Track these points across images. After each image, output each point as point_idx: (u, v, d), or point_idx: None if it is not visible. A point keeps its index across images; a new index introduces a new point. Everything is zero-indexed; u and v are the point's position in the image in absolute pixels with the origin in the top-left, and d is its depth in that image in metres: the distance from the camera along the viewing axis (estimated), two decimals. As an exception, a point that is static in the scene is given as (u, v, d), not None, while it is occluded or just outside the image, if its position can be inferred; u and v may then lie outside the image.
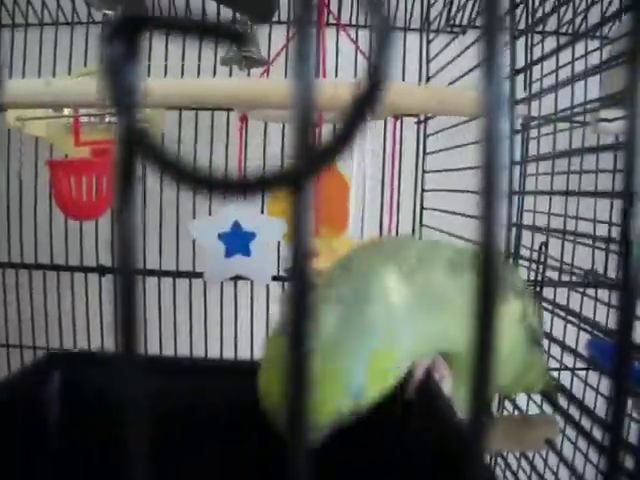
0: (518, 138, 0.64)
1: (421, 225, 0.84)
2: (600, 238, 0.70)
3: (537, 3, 0.85)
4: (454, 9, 0.85)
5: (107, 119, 0.79)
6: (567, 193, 0.69)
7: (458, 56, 0.75)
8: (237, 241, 0.70)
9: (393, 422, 0.35)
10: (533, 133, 0.79)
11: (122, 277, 0.13)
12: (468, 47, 0.73)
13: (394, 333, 0.31)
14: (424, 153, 0.83)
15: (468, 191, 0.64)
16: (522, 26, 0.80)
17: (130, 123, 0.11)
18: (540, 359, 0.49)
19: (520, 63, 0.74)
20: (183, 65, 0.83)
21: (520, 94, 0.72)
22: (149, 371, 0.13)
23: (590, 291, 0.80)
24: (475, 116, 0.57)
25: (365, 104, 0.12)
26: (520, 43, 0.79)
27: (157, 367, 0.36)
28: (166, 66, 0.83)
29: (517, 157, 0.66)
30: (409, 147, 0.84)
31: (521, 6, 0.80)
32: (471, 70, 0.71)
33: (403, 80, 0.85)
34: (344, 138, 0.12)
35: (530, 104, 0.74)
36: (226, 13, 0.82)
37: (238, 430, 0.34)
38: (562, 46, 0.64)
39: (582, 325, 0.68)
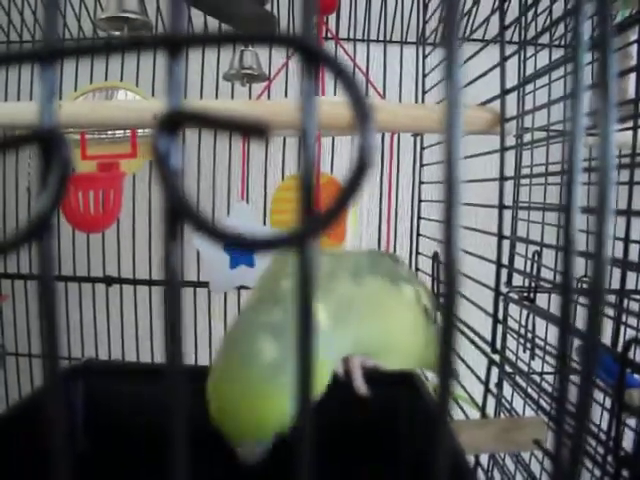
0: (512, 153, 0.66)
1: (418, 235, 0.86)
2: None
3: (529, 18, 0.87)
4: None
5: (111, 134, 0.81)
6: (560, 209, 0.72)
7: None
8: (242, 253, 0.73)
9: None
10: (527, 145, 0.81)
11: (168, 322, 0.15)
12: (466, 61, 0.75)
13: (326, 350, 0.36)
14: (420, 165, 0.86)
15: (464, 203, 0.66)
16: (515, 38, 0.82)
17: (176, 198, 0.14)
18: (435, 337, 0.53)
19: (513, 76, 0.76)
20: (186, 80, 0.86)
21: (513, 110, 0.75)
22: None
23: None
24: (470, 133, 0.59)
25: (355, 181, 0.14)
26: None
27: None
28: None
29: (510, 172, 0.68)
30: (406, 159, 0.86)
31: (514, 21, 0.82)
32: (467, 85, 0.73)
33: (400, 93, 0.87)
34: (340, 205, 0.15)
35: (523, 120, 0.77)
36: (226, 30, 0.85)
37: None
38: (553, 66, 0.66)
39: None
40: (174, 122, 0.14)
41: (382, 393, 0.38)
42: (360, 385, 0.38)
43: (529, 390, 0.62)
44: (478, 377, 0.65)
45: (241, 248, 0.15)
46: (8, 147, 0.16)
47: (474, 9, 0.85)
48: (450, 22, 0.16)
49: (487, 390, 0.63)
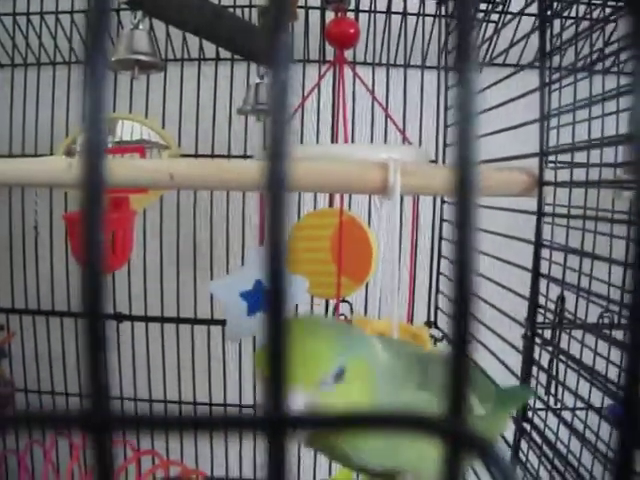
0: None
1: (438, 274, 0.84)
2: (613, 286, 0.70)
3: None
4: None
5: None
6: (582, 253, 0.70)
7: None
8: (259, 299, 0.70)
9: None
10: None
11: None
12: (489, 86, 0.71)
13: None
14: (442, 202, 0.83)
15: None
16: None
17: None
18: None
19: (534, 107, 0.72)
20: (198, 110, 0.82)
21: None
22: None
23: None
24: (497, 194, 0.56)
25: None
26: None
27: None
28: (181, 112, 0.82)
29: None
30: (426, 202, 0.84)
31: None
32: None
33: (420, 123, 0.84)
34: None
35: (547, 159, 0.74)
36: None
37: None
38: (578, 107, 0.63)
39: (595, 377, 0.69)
40: (280, 427, 0.12)
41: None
42: None
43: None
44: (507, 441, 0.63)
45: None
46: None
47: (494, 36, 0.81)
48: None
49: (516, 457, 0.61)
